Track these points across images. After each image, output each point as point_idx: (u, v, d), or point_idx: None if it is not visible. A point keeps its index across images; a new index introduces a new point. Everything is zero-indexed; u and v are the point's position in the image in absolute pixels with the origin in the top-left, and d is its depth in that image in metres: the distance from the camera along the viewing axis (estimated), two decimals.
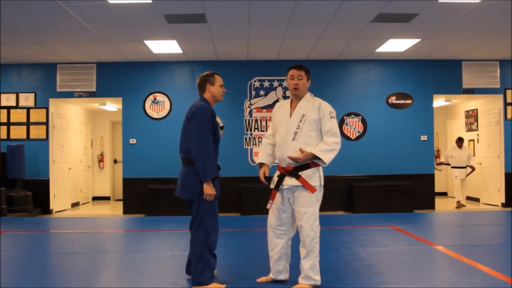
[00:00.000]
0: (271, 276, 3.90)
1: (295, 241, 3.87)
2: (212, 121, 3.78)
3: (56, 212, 9.71)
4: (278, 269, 3.87)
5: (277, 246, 3.83)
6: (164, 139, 9.29)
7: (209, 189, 3.67)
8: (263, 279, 3.94)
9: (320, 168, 3.74)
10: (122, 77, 9.57)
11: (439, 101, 10.74)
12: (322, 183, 3.75)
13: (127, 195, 9.50)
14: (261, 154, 3.94)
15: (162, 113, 9.54)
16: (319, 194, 3.73)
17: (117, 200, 11.79)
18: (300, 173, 3.66)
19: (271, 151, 3.91)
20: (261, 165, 3.89)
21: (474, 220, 7.96)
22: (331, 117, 3.66)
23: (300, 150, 3.62)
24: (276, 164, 3.86)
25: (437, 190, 10.45)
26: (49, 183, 9.51)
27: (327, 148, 3.60)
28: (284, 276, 3.89)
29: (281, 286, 3.86)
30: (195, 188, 3.72)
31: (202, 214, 3.74)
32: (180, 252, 5.04)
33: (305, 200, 3.67)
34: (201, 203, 3.74)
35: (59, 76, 9.53)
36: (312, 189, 3.63)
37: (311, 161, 3.65)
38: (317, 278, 3.70)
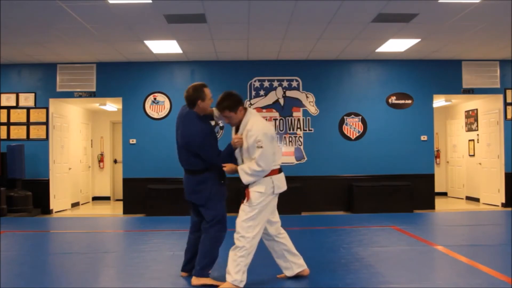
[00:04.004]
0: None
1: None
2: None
3: (56, 212, 9.71)
4: (285, 266, 4.03)
5: (269, 248, 4.07)
6: (164, 139, 9.28)
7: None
8: (282, 275, 4.11)
9: (275, 177, 3.85)
10: (122, 77, 9.57)
11: (439, 101, 10.74)
12: (271, 191, 3.82)
13: (127, 195, 9.50)
14: None
15: (162, 113, 9.54)
16: (261, 200, 3.79)
17: (117, 200, 11.79)
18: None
19: None
20: None
21: (474, 220, 7.96)
22: (257, 147, 3.73)
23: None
24: None
25: (437, 190, 10.45)
26: (49, 183, 9.51)
27: (247, 172, 3.77)
28: (292, 271, 4.01)
29: (274, 285, 3.87)
30: (208, 193, 3.96)
31: (222, 213, 4.00)
32: (180, 252, 5.01)
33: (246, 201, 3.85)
34: (219, 204, 4.00)
35: (59, 76, 9.53)
36: (247, 197, 3.81)
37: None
38: (237, 278, 3.70)
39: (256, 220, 3.77)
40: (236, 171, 3.86)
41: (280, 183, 3.90)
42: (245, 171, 3.79)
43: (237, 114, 3.87)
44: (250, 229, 3.75)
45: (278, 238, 4.01)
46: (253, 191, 3.80)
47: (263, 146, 3.72)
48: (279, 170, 3.92)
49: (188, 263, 4.16)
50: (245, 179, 3.80)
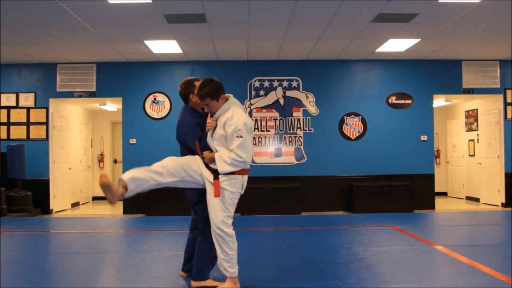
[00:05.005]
0: None
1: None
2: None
3: (56, 212, 9.71)
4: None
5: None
6: (164, 139, 9.28)
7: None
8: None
9: (245, 177, 3.75)
10: (122, 77, 9.57)
11: (439, 101, 10.75)
12: (240, 190, 3.75)
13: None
14: None
15: (162, 113, 9.55)
16: (230, 196, 3.70)
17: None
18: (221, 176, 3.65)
19: None
20: None
21: (474, 220, 7.96)
22: (236, 136, 3.56)
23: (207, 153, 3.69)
24: None
25: (437, 190, 10.46)
26: (49, 183, 9.51)
27: (226, 161, 3.57)
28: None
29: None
30: (199, 190, 3.86)
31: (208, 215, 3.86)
32: (180, 252, 5.01)
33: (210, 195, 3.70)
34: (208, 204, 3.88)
35: (59, 76, 9.54)
36: (216, 193, 3.64)
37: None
38: (234, 270, 3.71)
39: (231, 215, 3.75)
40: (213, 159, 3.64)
41: (245, 183, 3.79)
42: (223, 159, 3.58)
43: (219, 102, 3.66)
44: (221, 224, 3.66)
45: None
46: (225, 190, 3.66)
47: (243, 136, 3.57)
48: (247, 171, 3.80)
49: (187, 262, 4.13)
50: (222, 168, 3.58)
